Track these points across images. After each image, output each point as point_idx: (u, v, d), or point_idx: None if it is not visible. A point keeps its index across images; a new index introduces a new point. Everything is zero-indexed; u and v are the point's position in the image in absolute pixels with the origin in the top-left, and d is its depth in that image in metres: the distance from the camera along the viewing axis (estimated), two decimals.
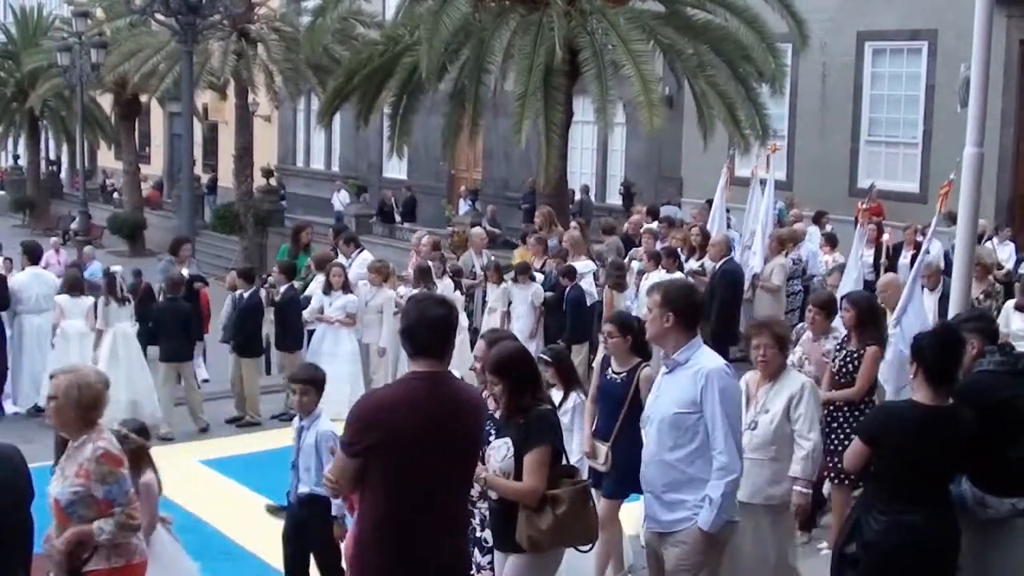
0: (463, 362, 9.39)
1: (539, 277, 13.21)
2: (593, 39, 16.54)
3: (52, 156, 44.19)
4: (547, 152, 16.54)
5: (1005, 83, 17.67)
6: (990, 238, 14.72)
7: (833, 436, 7.36)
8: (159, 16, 20.34)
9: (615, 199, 24.36)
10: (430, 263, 12.92)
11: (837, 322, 8.03)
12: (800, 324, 9.37)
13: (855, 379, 7.41)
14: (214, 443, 11.46)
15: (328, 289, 12.39)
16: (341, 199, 28.43)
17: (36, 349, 12.68)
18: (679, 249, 13.19)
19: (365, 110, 18.91)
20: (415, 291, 11.73)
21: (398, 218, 26.75)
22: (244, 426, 12.07)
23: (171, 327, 11.91)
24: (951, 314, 7.22)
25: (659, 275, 11.85)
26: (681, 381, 5.08)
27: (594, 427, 6.95)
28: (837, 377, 7.52)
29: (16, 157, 42.52)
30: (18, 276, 13.17)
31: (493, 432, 5.30)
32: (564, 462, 5.36)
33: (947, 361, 5.01)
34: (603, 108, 16.35)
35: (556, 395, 6.56)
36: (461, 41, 17.31)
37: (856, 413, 7.38)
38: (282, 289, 12.55)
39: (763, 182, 14.37)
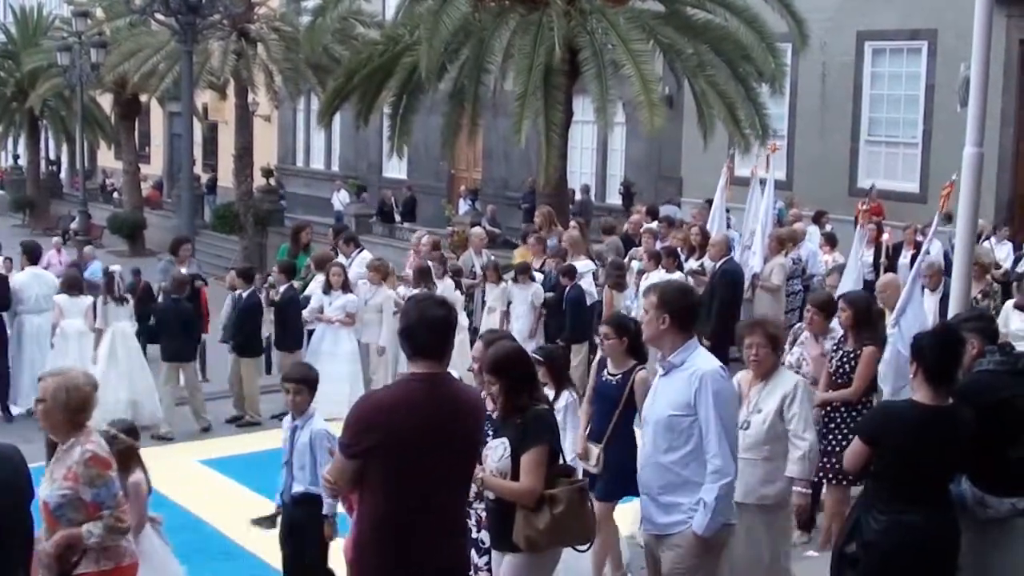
0: (463, 362, 9.38)
1: (539, 277, 13.21)
2: (593, 39, 16.54)
3: (52, 156, 44.18)
4: (547, 152, 16.53)
5: (1005, 83, 17.67)
6: (988, 238, 14.73)
7: (830, 436, 7.36)
8: (159, 16, 20.32)
9: (615, 199, 24.36)
10: (430, 263, 12.92)
11: (835, 322, 8.02)
12: (798, 324, 9.36)
13: (852, 379, 7.40)
14: (214, 443, 11.47)
15: (328, 289, 12.40)
16: (341, 199, 28.43)
17: (36, 349, 12.68)
18: (679, 249, 13.19)
19: (365, 110, 18.91)
20: (415, 291, 11.73)
21: (398, 218, 26.75)
22: (244, 426, 12.08)
23: (174, 327, 11.92)
24: (951, 313, 7.22)
25: (659, 275, 11.86)
26: (676, 383, 5.06)
27: (588, 428, 6.95)
28: (834, 377, 7.51)
29: (16, 157, 42.52)
30: (18, 276, 13.17)
31: (491, 432, 5.30)
32: (561, 462, 5.36)
33: (947, 361, 5.00)
34: (603, 108, 16.35)
35: (548, 394, 6.56)
36: (461, 41, 17.31)
37: (853, 414, 7.38)
38: (281, 289, 12.56)
39: (763, 182, 14.37)
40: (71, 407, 4.81)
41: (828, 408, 7.47)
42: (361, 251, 14.21)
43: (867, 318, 7.52)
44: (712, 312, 11.55)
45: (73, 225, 30.29)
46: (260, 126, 31.55)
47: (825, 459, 7.16)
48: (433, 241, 14.46)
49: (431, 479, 4.15)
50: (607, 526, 6.74)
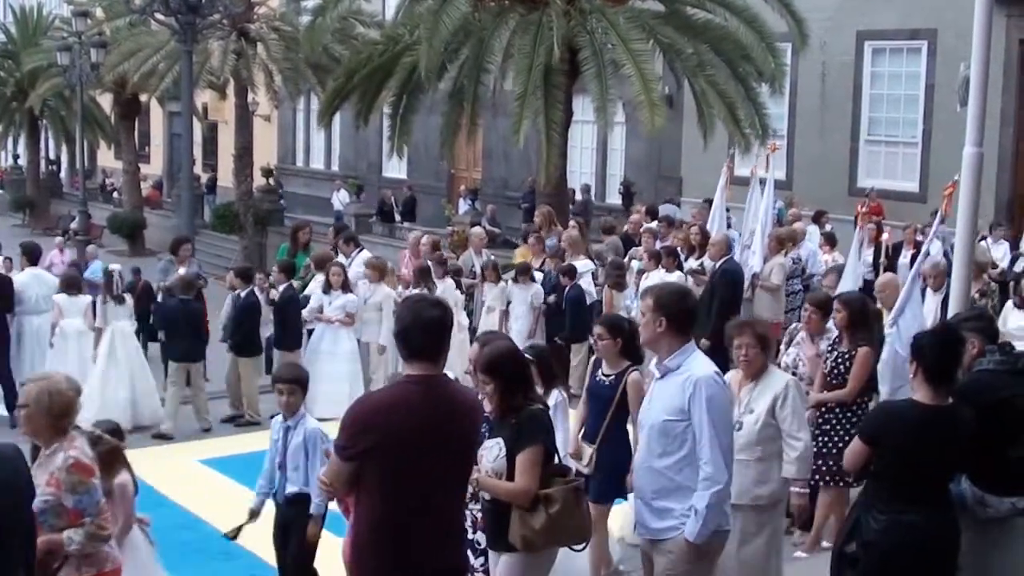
0: (463, 362, 9.38)
1: (539, 276, 13.21)
2: (593, 38, 16.53)
3: (52, 156, 44.17)
4: (547, 151, 16.52)
5: (1005, 83, 17.67)
6: (984, 237, 14.74)
7: (824, 438, 7.34)
8: (159, 16, 20.32)
9: (615, 199, 24.36)
10: (430, 263, 12.91)
11: (831, 323, 8.01)
12: (794, 325, 9.36)
13: (847, 380, 7.38)
14: (214, 443, 11.46)
15: (327, 288, 12.40)
16: (341, 199, 28.42)
17: (36, 350, 12.65)
18: (679, 248, 13.19)
19: (365, 110, 18.91)
20: (415, 291, 11.74)
21: (398, 218, 26.75)
22: (243, 425, 12.07)
23: (183, 327, 11.93)
24: (951, 313, 7.21)
25: (659, 274, 11.87)
26: (671, 388, 5.03)
27: (583, 429, 6.95)
28: (829, 378, 7.50)
29: (16, 157, 42.50)
30: (18, 277, 13.15)
31: (487, 433, 5.29)
32: (556, 461, 5.35)
33: (947, 360, 5.00)
34: (603, 107, 16.34)
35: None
36: (461, 41, 17.30)
37: (848, 415, 7.37)
38: (281, 288, 12.56)
39: (763, 181, 14.34)
40: (54, 412, 4.77)
41: (822, 409, 7.45)
42: (361, 251, 14.21)
43: (862, 319, 7.50)
44: (712, 312, 11.53)
45: (73, 225, 30.24)
46: (260, 126, 31.55)
47: (820, 461, 7.15)
48: (433, 241, 14.45)
49: (428, 481, 4.13)
50: (600, 527, 6.73)
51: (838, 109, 20.57)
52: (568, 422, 6.87)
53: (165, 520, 8.56)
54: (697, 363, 5.05)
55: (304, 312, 12.44)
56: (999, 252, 14.79)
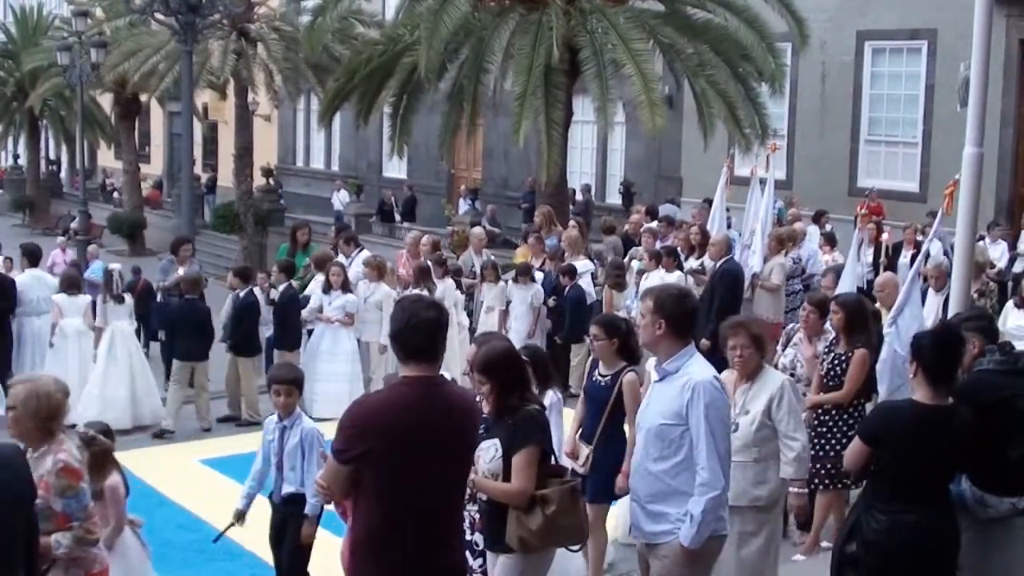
0: (463, 362, 9.39)
1: (539, 276, 13.20)
2: (593, 38, 16.53)
3: (52, 156, 44.20)
4: (548, 151, 16.52)
5: (1005, 83, 17.68)
6: (982, 237, 14.75)
7: (821, 440, 7.31)
8: (159, 16, 20.31)
9: (615, 199, 24.37)
10: (430, 263, 12.91)
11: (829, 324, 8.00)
12: (792, 325, 9.35)
13: (843, 382, 7.35)
14: (214, 442, 11.46)
15: (327, 288, 12.40)
16: (341, 198, 28.44)
17: (36, 351, 12.66)
18: (679, 248, 13.19)
19: (365, 110, 18.90)
20: (415, 291, 11.73)
21: (398, 218, 26.76)
22: (243, 425, 12.07)
23: (188, 327, 11.93)
24: (951, 313, 7.21)
25: (659, 274, 11.88)
26: (670, 391, 4.98)
27: (580, 429, 6.94)
28: (825, 380, 7.47)
29: (16, 157, 42.52)
30: (19, 278, 13.16)
31: (485, 434, 5.29)
32: (553, 462, 5.34)
33: (947, 360, 5.00)
34: (603, 107, 16.34)
35: None
36: (461, 41, 17.31)
37: (845, 416, 7.35)
38: (281, 288, 12.56)
39: (763, 181, 14.34)
40: (42, 415, 4.74)
41: (819, 411, 7.42)
42: (361, 251, 14.20)
43: (859, 321, 7.47)
44: (712, 312, 11.54)
45: (73, 225, 30.27)
46: (260, 126, 31.54)
47: (817, 464, 7.13)
48: (433, 241, 14.45)
49: (426, 482, 4.11)
50: (598, 528, 6.72)
51: (838, 109, 20.57)
52: (563, 423, 6.86)
53: (165, 520, 8.60)
54: (696, 367, 5.00)
55: (304, 312, 12.44)
56: (997, 252, 14.81)
